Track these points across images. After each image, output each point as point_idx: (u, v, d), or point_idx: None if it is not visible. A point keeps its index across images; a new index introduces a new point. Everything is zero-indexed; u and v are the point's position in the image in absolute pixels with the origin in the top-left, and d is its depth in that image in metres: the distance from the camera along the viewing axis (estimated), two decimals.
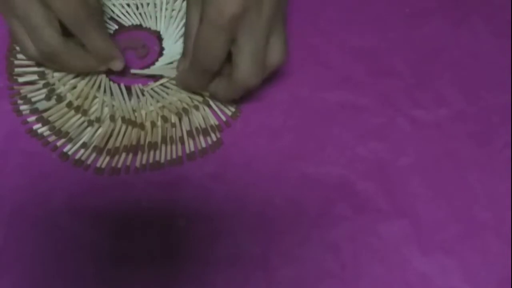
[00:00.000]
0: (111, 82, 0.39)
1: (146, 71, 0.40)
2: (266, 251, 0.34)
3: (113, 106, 0.38)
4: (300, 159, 0.37)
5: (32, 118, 0.38)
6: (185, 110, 0.38)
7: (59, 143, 0.37)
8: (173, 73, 0.39)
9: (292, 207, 0.35)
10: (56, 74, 0.39)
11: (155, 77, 0.40)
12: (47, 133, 0.37)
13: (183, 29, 0.41)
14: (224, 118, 0.38)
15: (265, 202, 0.36)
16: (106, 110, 0.38)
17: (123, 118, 0.37)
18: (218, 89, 0.36)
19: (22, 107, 0.38)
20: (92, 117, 0.37)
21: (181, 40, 0.41)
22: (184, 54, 0.36)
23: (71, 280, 0.33)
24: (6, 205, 0.35)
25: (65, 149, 0.37)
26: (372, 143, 0.38)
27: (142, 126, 0.37)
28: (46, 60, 0.36)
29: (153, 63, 0.40)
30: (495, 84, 0.40)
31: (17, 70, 0.39)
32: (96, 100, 0.38)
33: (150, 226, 0.35)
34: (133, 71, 0.40)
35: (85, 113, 0.37)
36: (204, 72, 0.34)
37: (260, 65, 0.33)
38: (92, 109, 0.38)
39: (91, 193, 0.36)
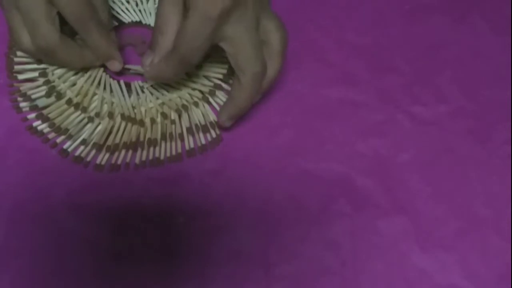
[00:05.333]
0: (111, 79, 0.39)
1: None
2: (265, 248, 0.34)
3: (112, 103, 0.38)
4: (300, 156, 0.37)
5: (32, 115, 0.38)
6: (185, 107, 0.38)
7: (58, 140, 0.37)
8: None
9: (291, 203, 0.35)
10: (57, 72, 0.39)
11: None
12: (47, 130, 0.37)
13: None
14: None
15: (264, 198, 0.36)
16: (105, 107, 0.38)
17: (122, 115, 0.37)
18: (237, 96, 0.35)
19: (22, 104, 0.38)
20: (92, 114, 0.37)
21: None
22: (153, 48, 0.36)
23: (71, 277, 0.33)
24: (6, 202, 0.35)
25: (65, 146, 0.37)
26: (372, 139, 0.38)
27: (141, 123, 0.37)
28: (41, 55, 0.36)
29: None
30: (495, 81, 0.40)
31: (16, 67, 0.39)
32: (96, 97, 0.38)
33: (149, 223, 0.35)
34: (131, 68, 0.40)
35: (84, 110, 0.37)
36: (185, 63, 0.34)
37: (259, 49, 0.34)
38: (92, 106, 0.38)
39: (91, 189, 0.36)
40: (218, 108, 0.38)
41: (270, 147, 0.37)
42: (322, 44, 0.41)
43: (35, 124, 0.37)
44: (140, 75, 0.40)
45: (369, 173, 0.37)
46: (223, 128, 0.37)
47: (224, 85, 0.39)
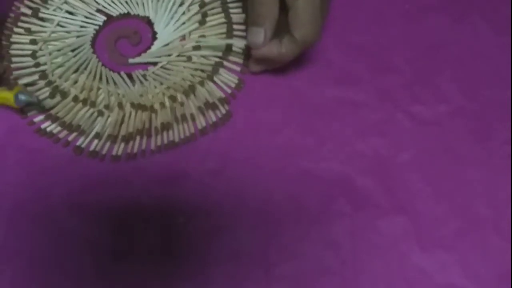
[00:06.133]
0: (111, 72, 0.39)
1: (144, 58, 0.40)
2: (265, 247, 0.34)
3: (118, 94, 0.38)
4: (300, 155, 0.37)
5: (39, 118, 0.38)
6: (191, 87, 0.38)
7: (70, 138, 0.37)
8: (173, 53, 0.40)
9: (291, 203, 0.35)
10: (56, 72, 0.39)
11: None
12: (57, 130, 0.37)
13: (172, 11, 0.41)
14: (229, 91, 0.39)
15: (264, 198, 0.36)
16: (113, 98, 0.38)
17: (132, 104, 0.38)
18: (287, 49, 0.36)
19: (26, 108, 0.38)
20: (101, 107, 0.38)
21: (172, 22, 0.41)
22: (257, 22, 0.35)
23: (70, 276, 0.33)
24: (6, 202, 0.35)
25: (78, 143, 0.37)
26: (372, 139, 0.38)
27: (152, 109, 0.38)
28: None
29: (149, 48, 0.40)
30: (495, 81, 0.40)
31: (15, 73, 0.39)
32: (101, 90, 0.38)
33: (149, 223, 0.35)
34: (131, 60, 0.40)
35: (93, 104, 0.38)
36: (308, 46, 0.36)
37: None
38: (99, 99, 0.38)
39: (91, 189, 0.36)
40: (223, 86, 0.39)
41: (270, 146, 0.37)
42: (322, 44, 0.41)
43: (43, 126, 0.37)
44: (143, 64, 0.40)
45: (369, 173, 0.36)
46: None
47: (225, 62, 0.40)
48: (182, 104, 0.38)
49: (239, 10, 0.41)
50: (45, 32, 0.40)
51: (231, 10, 0.41)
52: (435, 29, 0.41)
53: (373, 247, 0.34)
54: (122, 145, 0.37)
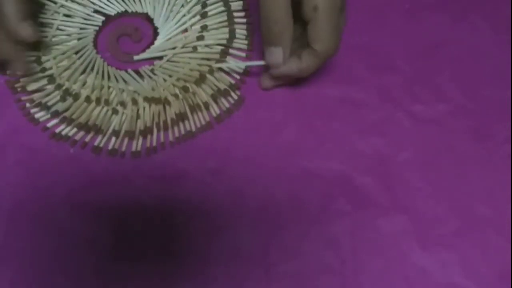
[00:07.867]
0: (118, 70, 0.39)
1: (149, 53, 0.40)
2: (266, 246, 0.34)
3: (130, 90, 0.38)
4: (300, 155, 0.37)
5: (53, 122, 0.38)
6: (201, 77, 0.39)
7: (87, 139, 0.37)
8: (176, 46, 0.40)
9: (292, 202, 0.35)
10: (64, 75, 0.39)
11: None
12: (73, 132, 0.37)
13: (171, 5, 0.41)
14: (238, 77, 0.39)
15: (265, 197, 0.36)
16: (125, 95, 0.38)
17: (146, 98, 0.38)
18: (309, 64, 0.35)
19: (38, 115, 0.38)
20: (115, 105, 0.38)
21: (172, 15, 0.41)
22: (273, 42, 0.34)
23: (71, 276, 0.33)
24: (6, 202, 0.35)
25: (96, 143, 0.37)
26: (372, 138, 0.38)
27: (166, 101, 0.38)
28: None
29: (151, 43, 0.41)
30: (495, 80, 0.40)
31: (23, 80, 0.39)
32: (112, 88, 0.38)
33: (150, 222, 0.35)
34: (136, 57, 0.40)
35: (107, 102, 0.38)
36: (328, 58, 0.35)
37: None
38: (112, 97, 0.38)
39: (91, 189, 0.36)
40: (231, 72, 0.40)
41: (271, 146, 0.37)
42: None
43: (58, 130, 0.37)
44: (149, 59, 0.40)
45: (369, 172, 0.37)
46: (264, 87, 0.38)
47: (230, 50, 0.40)
48: (194, 93, 0.38)
49: None
50: (46, 37, 0.40)
51: None
52: (435, 28, 0.41)
53: (373, 246, 0.34)
54: (141, 140, 0.37)
